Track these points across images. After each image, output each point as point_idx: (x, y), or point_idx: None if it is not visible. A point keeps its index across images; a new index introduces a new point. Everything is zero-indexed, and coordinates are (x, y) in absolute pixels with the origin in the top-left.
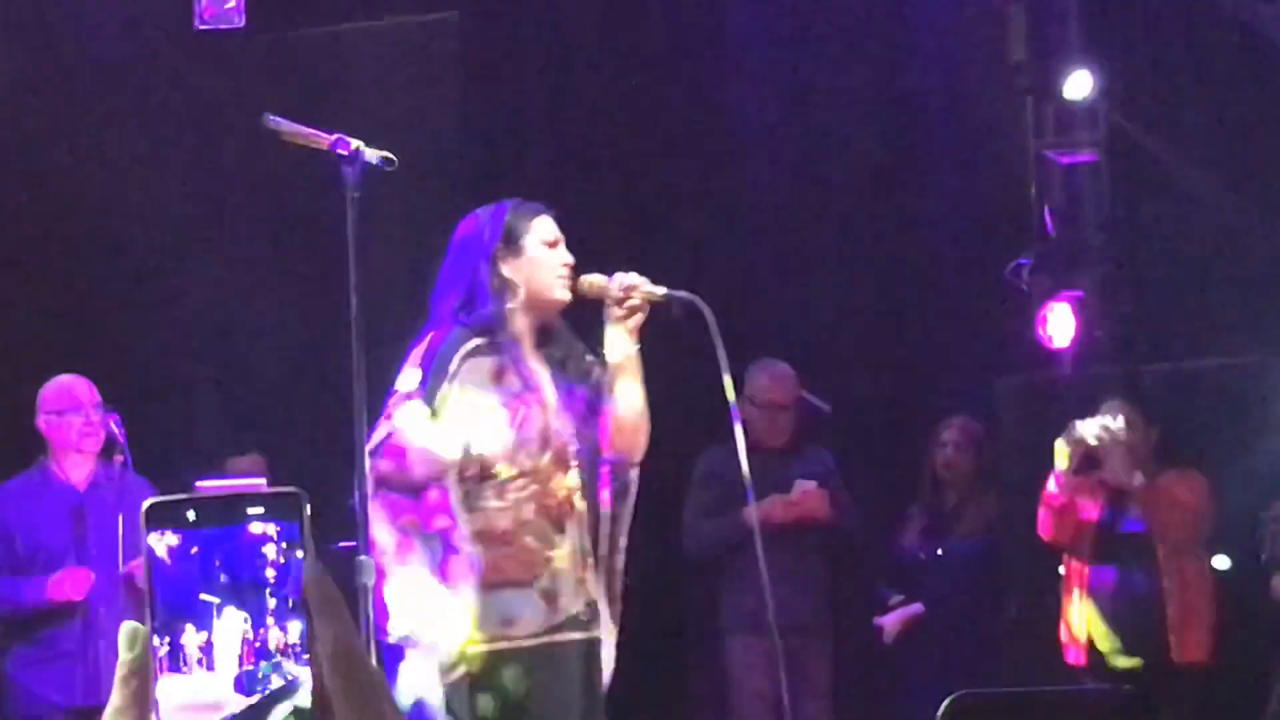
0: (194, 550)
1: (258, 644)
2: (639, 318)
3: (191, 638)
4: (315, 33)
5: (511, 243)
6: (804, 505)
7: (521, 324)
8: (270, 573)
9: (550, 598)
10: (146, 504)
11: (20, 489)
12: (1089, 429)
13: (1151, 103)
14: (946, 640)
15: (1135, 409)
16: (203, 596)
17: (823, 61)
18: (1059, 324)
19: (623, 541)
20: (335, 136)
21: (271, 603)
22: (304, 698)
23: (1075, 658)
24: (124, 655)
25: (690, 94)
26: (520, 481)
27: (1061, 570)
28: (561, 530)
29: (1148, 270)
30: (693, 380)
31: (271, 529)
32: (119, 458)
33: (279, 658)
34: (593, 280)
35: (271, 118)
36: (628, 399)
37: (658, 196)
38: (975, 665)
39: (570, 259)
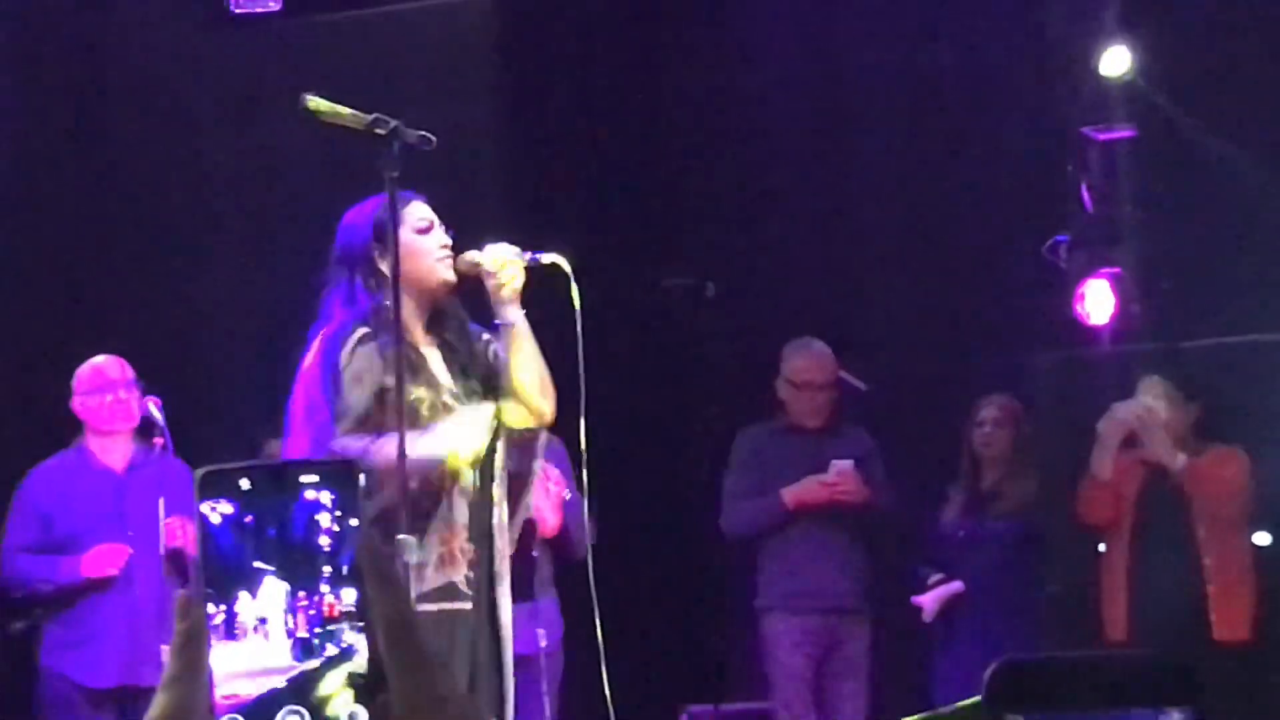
0: (248, 519)
1: (312, 611)
2: (516, 283)
3: (246, 606)
4: (351, 15)
5: (382, 236)
6: (840, 486)
7: (409, 313)
8: (325, 540)
9: (417, 569)
10: (200, 472)
11: (57, 470)
12: (1129, 410)
13: (1189, 78)
14: (985, 619)
15: (1174, 386)
16: (257, 565)
17: (857, 38)
18: (1097, 301)
19: (522, 512)
20: (373, 116)
21: (326, 570)
22: (359, 664)
23: (1115, 634)
24: (178, 625)
25: (722, 74)
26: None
27: (1101, 547)
28: (436, 503)
29: (1185, 246)
30: (729, 361)
31: (325, 497)
32: (158, 440)
33: (334, 625)
34: (464, 258)
35: (309, 98)
36: (523, 365)
37: (692, 176)
38: (1014, 644)
39: (447, 240)
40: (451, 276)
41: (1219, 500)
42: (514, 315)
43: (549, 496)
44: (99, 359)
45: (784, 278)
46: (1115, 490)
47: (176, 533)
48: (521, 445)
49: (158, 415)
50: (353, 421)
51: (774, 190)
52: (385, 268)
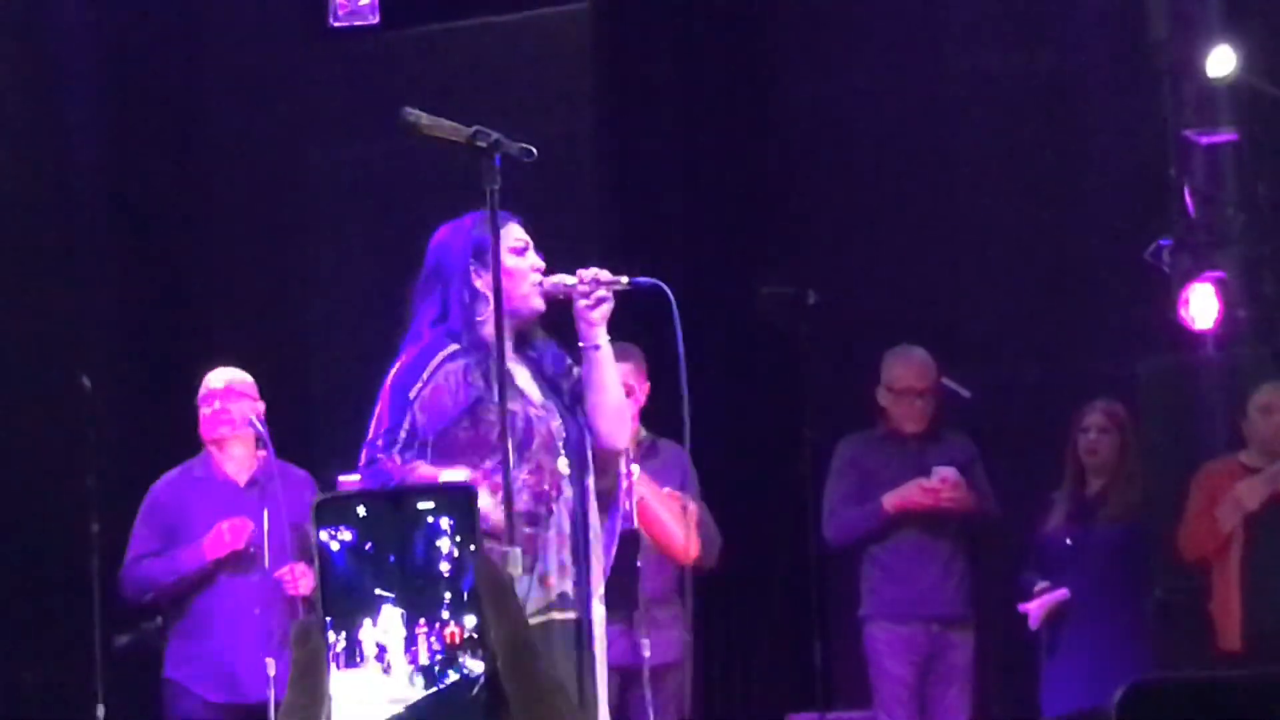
0: (368, 546)
1: (434, 639)
2: (606, 308)
3: (368, 633)
4: (449, 28)
5: (481, 255)
6: (942, 492)
7: (495, 331)
8: (445, 566)
9: (543, 579)
10: (316, 500)
11: (179, 482)
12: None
13: None
14: (1092, 626)
15: None
16: (378, 591)
17: (958, 43)
18: (1201, 305)
19: (610, 530)
20: (474, 129)
21: (447, 596)
22: (480, 691)
23: (1229, 644)
24: (296, 653)
25: (822, 80)
26: (514, 473)
27: None
28: (550, 512)
29: None
30: (831, 370)
31: (445, 523)
32: (261, 452)
33: (456, 651)
34: (555, 280)
35: (410, 111)
36: (604, 388)
37: (793, 184)
38: (1122, 652)
39: (540, 263)
40: (541, 306)
41: None
42: (600, 339)
43: (683, 518)
44: (221, 371)
45: (885, 285)
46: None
47: (289, 581)
48: (602, 465)
49: (259, 426)
50: (416, 442)
51: (875, 197)
52: (481, 285)
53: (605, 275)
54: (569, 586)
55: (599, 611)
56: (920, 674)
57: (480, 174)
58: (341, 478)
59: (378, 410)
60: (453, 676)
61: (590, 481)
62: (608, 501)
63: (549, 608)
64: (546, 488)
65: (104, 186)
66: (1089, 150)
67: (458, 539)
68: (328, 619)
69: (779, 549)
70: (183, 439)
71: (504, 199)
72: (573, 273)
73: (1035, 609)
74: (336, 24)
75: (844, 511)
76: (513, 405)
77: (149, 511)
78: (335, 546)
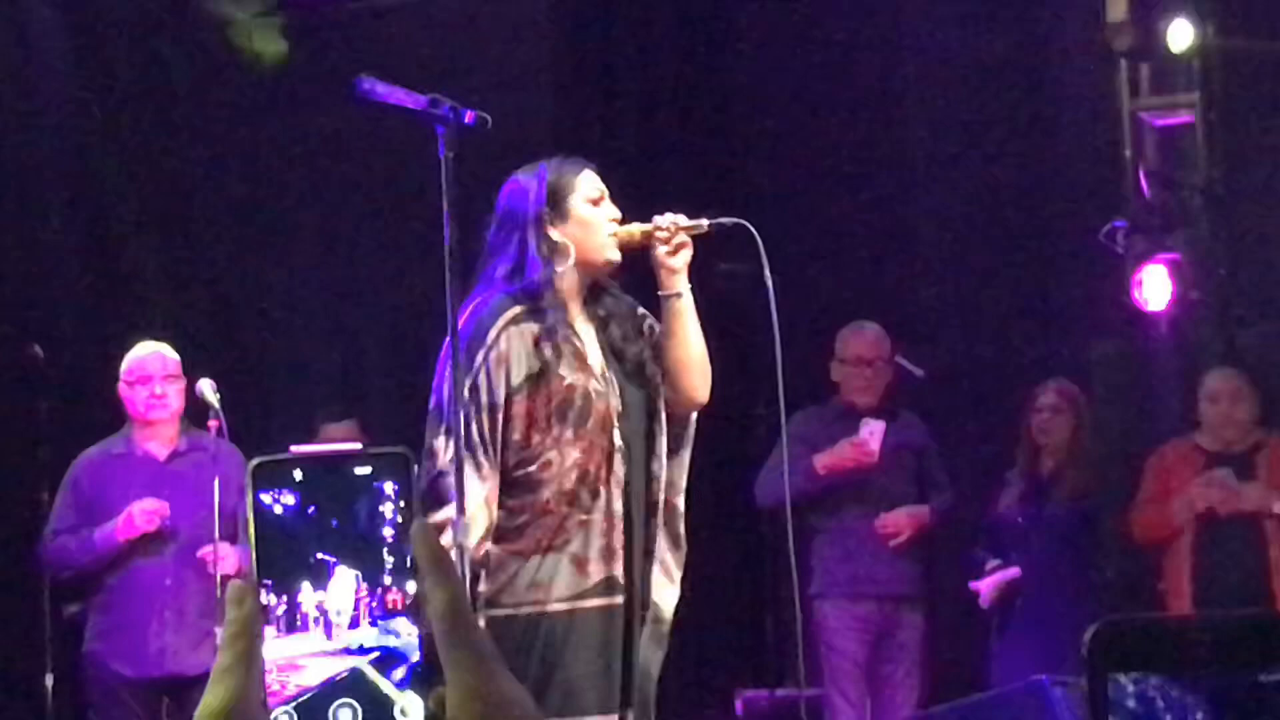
0: (311, 510)
1: (374, 603)
2: (686, 254)
3: (309, 596)
4: (406, 2)
5: (557, 205)
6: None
7: (570, 286)
8: (388, 531)
9: (580, 563)
10: (253, 463)
11: (101, 457)
12: (1205, 497)
13: (1249, 62)
14: (1042, 604)
15: (1243, 375)
16: (319, 555)
17: (914, 23)
18: (1155, 287)
19: (679, 496)
20: (430, 97)
21: (389, 561)
22: (418, 656)
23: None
24: (231, 613)
25: (779, 59)
26: (564, 449)
27: None
28: (596, 495)
29: (1244, 232)
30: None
31: (389, 487)
32: (213, 423)
33: (395, 617)
34: (631, 230)
35: (365, 81)
36: (686, 340)
37: (749, 163)
38: (1071, 630)
39: (617, 213)
40: (618, 257)
41: None
42: (681, 286)
43: None
44: (142, 349)
45: (841, 264)
46: (1178, 504)
47: (211, 561)
48: (678, 424)
49: (212, 398)
50: (485, 405)
51: (832, 176)
52: (559, 236)
53: (684, 220)
54: (618, 571)
55: (663, 597)
56: (871, 651)
57: (436, 142)
58: (293, 448)
59: (439, 376)
60: (390, 642)
61: (658, 460)
62: (677, 458)
63: (583, 594)
64: (594, 467)
65: (62, 157)
66: (1044, 131)
67: (401, 504)
68: (266, 581)
69: (730, 526)
70: (108, 412)
71: (459, 169)
72: (648, 220)
73: (987, 587)
74: None
75: (777, 471)
76: (573, 378)
77: (69, 487)
78: (278, 510)
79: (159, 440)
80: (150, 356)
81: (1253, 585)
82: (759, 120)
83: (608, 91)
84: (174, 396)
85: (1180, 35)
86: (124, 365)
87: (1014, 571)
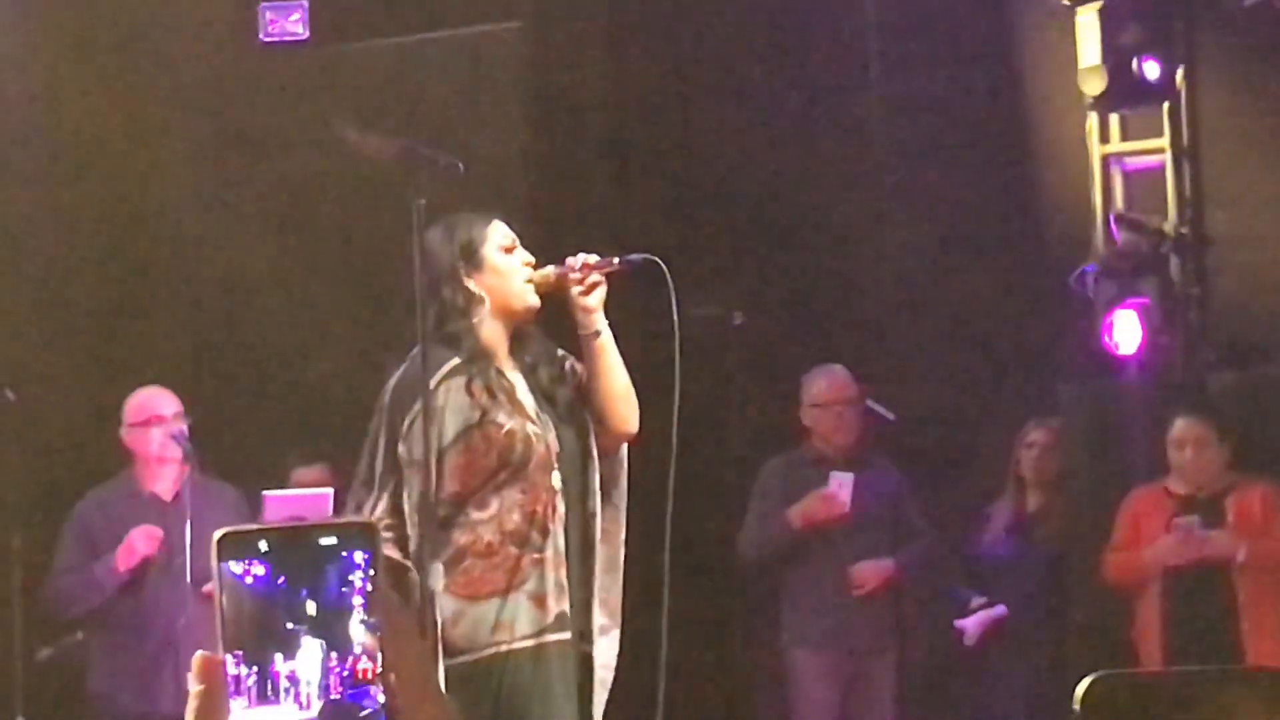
0: (280, 580)
1: (346, 673)
2: (600, 293)
3: (281, 666)
4: (378, 44)
5: (471, 256)
6: (838, 496)
7: (494, 335)
8: (357, 600)
9: (539, 600)
10: (218, 535)
11: (106, 499)
12: (1172, 551)
13: (1220, 108)
14: (1020, 644)
15: (1210, 421)
16: (289, 625)
17: (882, 66)
18: (1125, 331)
19: (619, 533)
20: (402, 142)
21: (359, 630)
22: None
23: (1151, 663)
24: (194, 687)
25: (746, 102)
26: (505, 492)
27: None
28: (545, 533)
29: (1214, 276)
30: (755, 392)
31: (359, 557)
32: (185, 468)
33: (365, 685)
34: (545, 273)
35: (340, 125)
36: (610, 374)
37: (717, 205)
38: (1045, 671)
39: (530, 259)
40: (536, 302)
41: (1253, 535)
42: (599, 325)
43: None
44: (147, 390)
45: (809, 307)
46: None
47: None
48: (609, 460)
49: (183, 444)
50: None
51: (800, 220)
52: (474, 286)
53: (594, 259)
54: (567, 606)
55: (608, 636)
56: (842, 697)
57: (408, 188)
58: (266, 494)
59: (372, 436)
60: (362, 711)
61: (593, 497)
62: (611, 488)
63: (544, 630)
64: (540, 507)
65: (38, 196)
66: (1015, 175)
67: (371, 573)
68: (238, 652)
69: (701, 571)
70: (107, 454)
71: (430, 214)
72: (560, 263)
73: (972, 625)
74: (267, 39)
75: (755, 529)
76: (510, 422)
77: (75, 529)
78: (249, 580)
79: (164, 480)
80: (160, 396)
81: (1222, 631)
82: (730, 162)
83: (579, 137)
84: (184, 436)
85: (1152, 74)
86: (129, 407)
87: (999, 610)
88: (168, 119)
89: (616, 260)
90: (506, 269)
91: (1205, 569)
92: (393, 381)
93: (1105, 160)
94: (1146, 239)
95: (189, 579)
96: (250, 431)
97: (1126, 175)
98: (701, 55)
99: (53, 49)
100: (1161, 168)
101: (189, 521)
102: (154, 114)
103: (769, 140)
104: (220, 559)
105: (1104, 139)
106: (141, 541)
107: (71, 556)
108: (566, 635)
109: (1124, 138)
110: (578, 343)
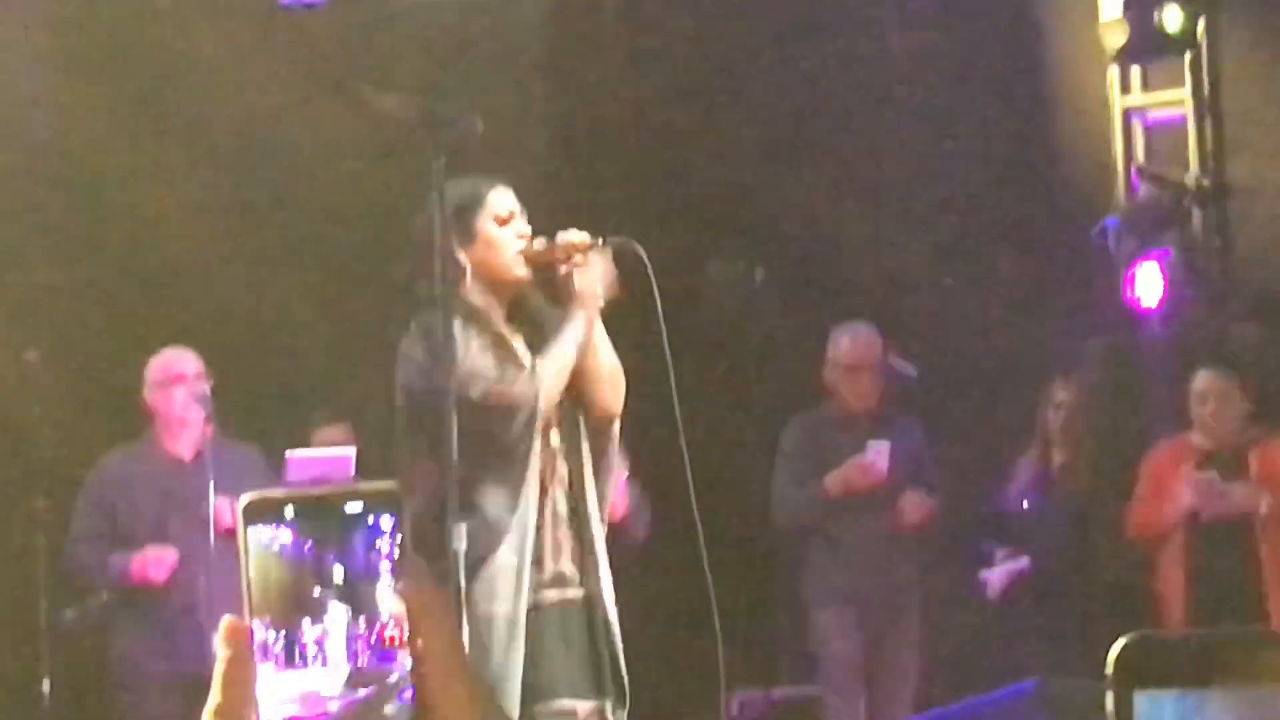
0: (308, 545)
1: (373, 639)
2: (584, 275)
3: (309, 632)
4: (397, 5)
5: (463, 225)
6: (876, 465)
7: (484, 302)
8: (385, 565)
9: (538, 560)
10: (245, 502)
11: (124, 461)
12: (1196, 499)
13: (1240, 59)
14: (1043, 599)
15: (1232, 374)
16: (317, 591)
17: (901, 18)
18: (1147, 284)
19: (607, 496)
20: (421, 102)
21: (386, 596)
22: (409, 694)
23: (1174, 617)
24: (222, 652)
25: (767, 58)
26: (517, 454)
27: None
28: (545, 494)
29: (1237, 229)
30: (779, 348)
31: (386, 522)
32: (208, 428)
33: (392, 651)
34: (535, 247)
35: (359, 87)
36: (593, 354)
37: (741, 162)
38: (1069, 626)
39: (526, 230)
40: (524, 273)
41: (1276, 488)
42: (586, 302)
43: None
44: (169, 351)
45: (831, 263)
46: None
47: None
48: (598, 432)
49: (206, 403)
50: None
51: (818, 176)
52: (462, 257)
53: (577, 237)
54: (566, 566)
55: (607, 586)
56: (867, 652)
57: (427, 149)
58: (289, 453)
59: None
60: (387, 677)
61: (587, 456)
62: (601, 463)
63: (540, 587)
64: (542, 466)
65: (57, 162)
66: (1036, 129)
67: (399, 538)
68: (265, 618)
69: (726, 527)
70: (131, 415)
71: (451, 174)
72: (552, 238)
73: (996, 577)
74: (285, 1)
75: (790, 497)
76: (511, 383)
77: (92, 490)
78: (275, 547)
79: (184, 441)
80: (182, 357)
81: (1246, 585)
82: (752, 119)
83: (599, 94)
84: (206, 396)
85: (1173, 23)
86: (152, 367)
87: (1023, 563)
88: (189, 83)
89: (601, 241)
90: (498, 240)
91: (1228, 523)
92: (404, 346)
93: (1126, 113)
94: (1168, 192)
95: (212, 537)
96: (272, 392)
97: (1148, 128)
98: (722, 11)
99: (68, 12)
100: (1183, 120)
101: (210, 482)
102: (174, 78)
103: (790, 97)
104: (247, 524)
105: (1125, 91)
106: (155, 567)
107: (88, 522)
108: (565, 594)
109: (1145, 90)
110: None
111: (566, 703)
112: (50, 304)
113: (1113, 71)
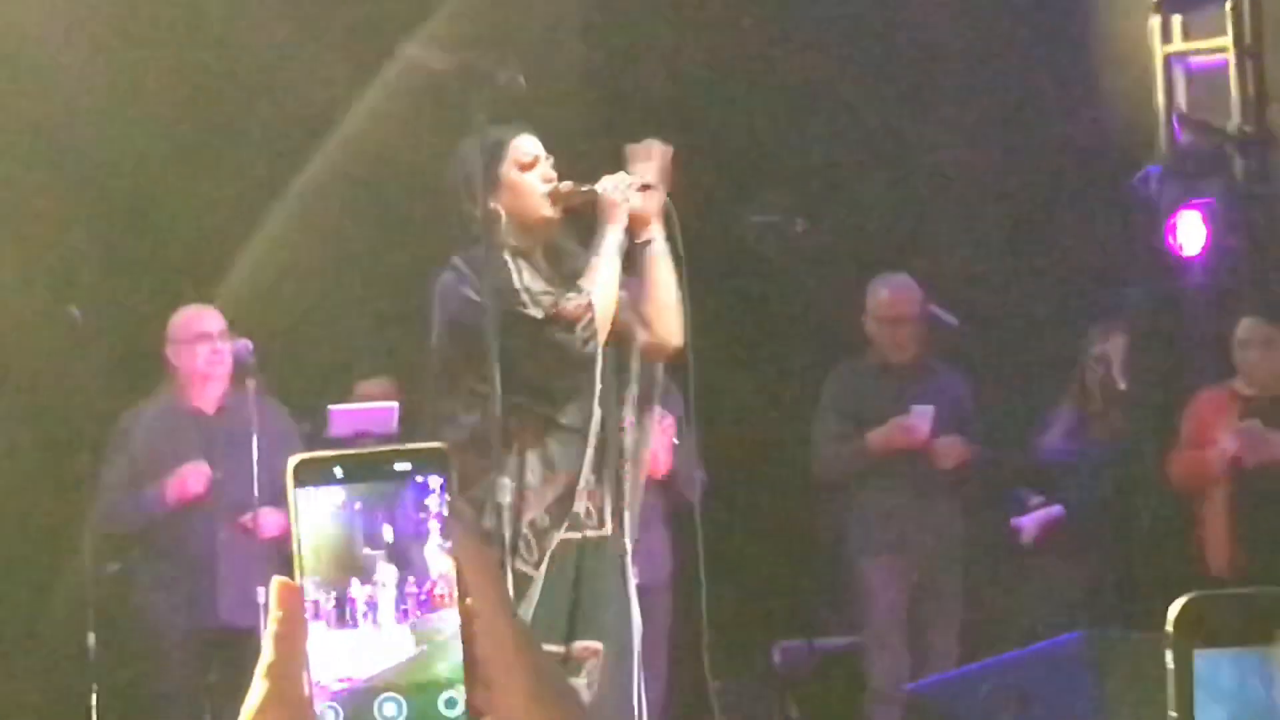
0: (357, 505)
1: (423, 597)
2: (651, 199)
3: (358, 591)
4: None
5: (488, 174)
6: (919, 429)
7: (525, 246)
8: (434, 525)
9: (561, 501)
10: (294, 462)
11: (149, 414)
12: (1236, 445)
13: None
14: (1083, 547)
15: (1276, 321)
16: (366, 551)
17: None
18: (1189, 232)
19: (648, 441)
20: (464, 58)
21: (435, 555)
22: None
23: (1218, 570)
24: (274, 612)
25: (807, 7)
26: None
27: None
28: (576, 432)
29: (1279, 174)
30: (819, 297)
31: (434, 481)
32: (251, 382)
33: (441, 611)
34: (564, 188)
35: (403, 44)
36: (657, 286)
37: (781, 113)
38: (1109, 575)
39: (552, 174)
40: (551, 214)
41: None
42: (652, 233)
43: (660, 436)
44: (193, 308)
45: (872, 213)
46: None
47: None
48: (646, 371)
49: (250, 359)
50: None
51: (861, 126)
52: (493, 204)
53: (625, 179)
54: (583, 508)
55: (630, 531)
56: (911, 604)
57: (469, 103)
58: (331, 407)
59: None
60: (437, 636)
61: (630, 403)
62: (646, 409)
63: (570, 524)
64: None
65: (94, 121)
66: (1077, 77)
67: (447, 498)
68: (315, 578)
69: (768, 478)
70: (145, 373)
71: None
72: (594, 182)
73: (1030, 523)
74: None
75: (830, 451)
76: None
77: (118, 444)
78: (325, 508)
79: (208, 396)
80: (205, 313)
81: None
82: (789, 73)
83: (640, 47)
84: (228, 352)
85: None
86: (174, 324)
87: (1057, 510)
88: (226, 38)
89: (629, 181)
90: (521, 185)
91: (1272, 470)
92: (446, 283)
93: (1168, 60)
94: (1210, 139)
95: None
96: (314, 346)
97: (1189, 75)
98: None
99: None
100: (1225, 66)
101: (233, 437)
102: (208, 36)
103: (829, 46)
104: (295, 485)
105: (1166, 39)
106: (192, 479)
107: (116, 473)
108: (598, 533)
109: (1186, 37)
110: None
111: (578, 644)
112: (93, 262)
113: (1154, 19)
